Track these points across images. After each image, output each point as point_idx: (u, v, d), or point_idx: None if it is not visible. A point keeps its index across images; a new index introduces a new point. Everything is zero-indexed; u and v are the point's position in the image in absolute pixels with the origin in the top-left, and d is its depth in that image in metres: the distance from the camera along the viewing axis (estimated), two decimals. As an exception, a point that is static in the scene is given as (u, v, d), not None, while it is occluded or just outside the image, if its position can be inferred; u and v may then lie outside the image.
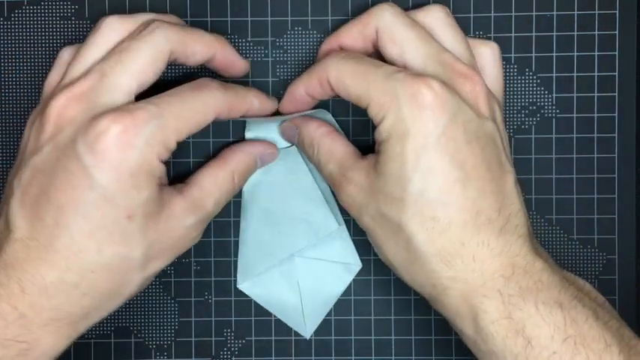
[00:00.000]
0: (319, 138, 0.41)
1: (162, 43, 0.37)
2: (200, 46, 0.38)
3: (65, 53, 0.39)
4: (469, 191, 0.35)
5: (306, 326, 0.44)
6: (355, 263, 0.44)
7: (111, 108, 0.35)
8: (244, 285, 0.44)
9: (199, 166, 0.40)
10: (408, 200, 0.36)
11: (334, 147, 0.40)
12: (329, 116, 0.42)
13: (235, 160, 0.41)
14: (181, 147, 0.44)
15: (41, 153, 0.35)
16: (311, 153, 0.41)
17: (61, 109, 0.35)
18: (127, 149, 0.34)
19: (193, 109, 0.37)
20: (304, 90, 0.39)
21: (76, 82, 0.36)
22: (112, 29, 0.38)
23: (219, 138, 0.44)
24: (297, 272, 0.44)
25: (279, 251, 0.43)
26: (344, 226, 0.44)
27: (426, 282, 0.37)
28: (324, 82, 0.38)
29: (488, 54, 0.40)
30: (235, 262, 0.44)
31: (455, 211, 0.35)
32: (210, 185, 0.39)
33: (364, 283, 0.45)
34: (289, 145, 0.43)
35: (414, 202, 0.36)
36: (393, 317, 0.44)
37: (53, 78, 0.39)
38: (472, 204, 0.35)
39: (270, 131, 0.43)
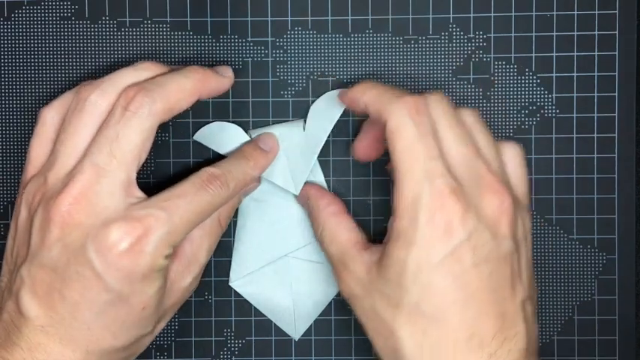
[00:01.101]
0: (325, 217, 0.40)
1: (150, 121, 0.37)
2: (185, 102, 0.38)
3: (47, 117, 0.39)
4: (467, 312, 0.35)
5: (296, 328, 0.44)
6: None
7: (118, 207, 0.36)
8: (236, 283, 0.44)
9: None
10: (403, 308, 0.35)
11: (339, 231, 0.39)
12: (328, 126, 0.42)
13: None
14: (182, 149, 0.44)
15: (50, 252, 0.35)
16: (315, 229, 0.41)
17: (67, 215, 0.35)
18: (138, 257, 0.35)
19: (200, 212, 0.37)
20: (365, 107, 0.38)
21: (72, 180, 0.36)
22: (96, 106, 0.37)
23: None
24: (290, 273, 0.44)
25: (274, 250, 0.43)
26: None
27: None
28: (379, 120, 0.37)
29: (513, 156, 0.38)
30: (235, 262, 0.44)
31: (448, 330, 0.35)
32: (200, 238, 0.40)
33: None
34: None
35: (408, 312, 0.35)
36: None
37: (38, 146, 0.38)
38: (468, 326, 0.35)
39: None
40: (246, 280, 0.44)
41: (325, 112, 0.43)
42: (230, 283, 0.44)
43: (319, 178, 0.44)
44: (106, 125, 0.37)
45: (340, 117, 0.42)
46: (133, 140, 0.36)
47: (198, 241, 0.40)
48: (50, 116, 0.39)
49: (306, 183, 0.42)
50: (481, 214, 0.35)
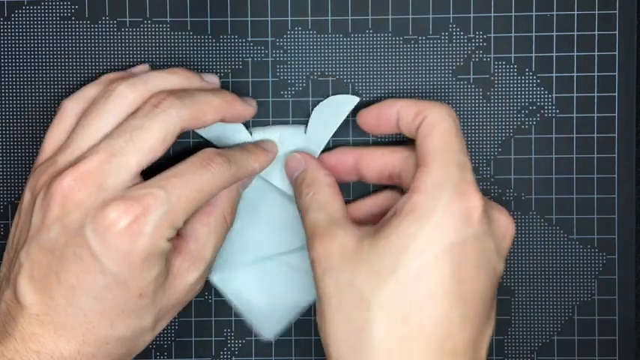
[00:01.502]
0: (322, 184, 0.40)
1: (175, 122, 0.37)
2: (210, 116, 0.38)
3: (69, 107, 0.39)
4: (453, 311, 0.34)
5: (270, 329, 0.44)
6: None
7: (118, 190, 0.35)
8: (216, 277, 0.43)
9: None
10: (390, 284, 0.34)
11: (332, 200, 0.39)
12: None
13: (222, 200, 0.40)
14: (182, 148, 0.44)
15: (49, 233, 0.35)
16: (305, 193, 0.40)
17: (68, 191, 0.35)
18: (137, 238, 0.35)
19: (200, 190, 0.37)
20: (395, 114, 0.39)
21: (82, 159, 0.36)
22: (123, 97, 0.37)
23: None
24: (271, 276, 0.43)
25: (260, 250, 0.43)
26: None
27: None
28: (414, 120, 0.38)
29: None
30: (235, 262, 0.44)
31: (428, 323, 0.34)
32: (206, 235, 0.39)
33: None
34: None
35: (393, 291, 0.34)
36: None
37: (55, 135, 0.39)
38: (448, 325, 0.34)
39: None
40: (226, 276, 0.43)
41: (328, 115, 0.43)
42: (209, 276, 0.43)
43: None
44: (133, 116, 0.37)
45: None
46: (155, 132, 0.36)
47: (204, 237, 0.39)
48: (71, 107, 0.39)
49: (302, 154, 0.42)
50: (491, 224, 0.36)
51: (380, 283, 0.34)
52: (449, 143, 0.36)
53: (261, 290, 0.44)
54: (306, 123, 0.43)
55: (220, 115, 0.39)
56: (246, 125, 0.43)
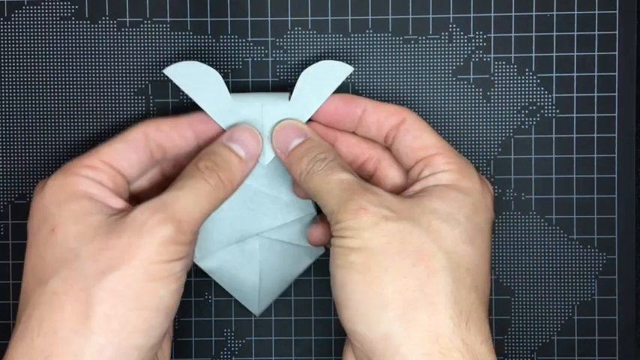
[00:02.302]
0: (334, 151, 0.38)
1: (134, 130, 0.38)
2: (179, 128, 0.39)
3: None
4: (489, 270, 0.37)
5: (259, 305, 0.43)
6: (318, 249, 0.43)
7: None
8: (201, 260, 0.42)
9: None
10: (448, 241, 0.35)
11: (349, 166, 0.38)
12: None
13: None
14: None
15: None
16: (322, 158, 0.37)
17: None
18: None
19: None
20: (362, 110, 0.39)
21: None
22: None
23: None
24: (258, 252, 0.42)
25: (246, 228, 0.42)
26: (315, 212, 0.43)
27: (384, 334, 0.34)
28: (390, 118, 0.39)
29: None
30: (235, 262, 0.44)
31: (482, 280, 0.35)
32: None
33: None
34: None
35: (455, 247, 0.35)
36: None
37: None
38: (487, 282, 0.36)
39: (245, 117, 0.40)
40: (211, 256, 0.42)
41: (317, 83, 0.40)
42: (194, 260, 0.42)
43: None
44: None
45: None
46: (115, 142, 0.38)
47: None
48: None
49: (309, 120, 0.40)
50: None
51: (441, 237, 0.35)
52: (441, 139, 0.39)
53: (250, 268, 0.43)
54: (290, 90, 0.41)
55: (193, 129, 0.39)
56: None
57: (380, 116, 0.39)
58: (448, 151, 0.38)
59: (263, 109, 0.39)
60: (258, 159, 0.39)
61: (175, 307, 0.35)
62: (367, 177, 0.41)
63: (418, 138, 0.38)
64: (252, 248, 0.42)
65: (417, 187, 0.37)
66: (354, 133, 0.40)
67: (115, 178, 0.37)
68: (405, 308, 0.33)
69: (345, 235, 0.35)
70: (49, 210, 0.35)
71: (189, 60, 0.43)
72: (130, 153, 0.37)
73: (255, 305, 0.43)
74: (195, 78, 0.39)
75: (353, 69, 0.40)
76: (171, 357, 0.44)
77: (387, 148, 0.40)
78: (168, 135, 0.38)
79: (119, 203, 0.36)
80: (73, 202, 0.35)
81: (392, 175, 0.40)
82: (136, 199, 0.39)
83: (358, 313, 0.34)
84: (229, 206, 0.41)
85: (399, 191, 0.38)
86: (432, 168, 0.37)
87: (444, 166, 0.37)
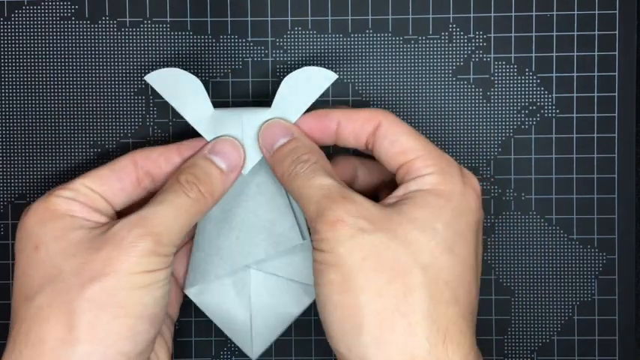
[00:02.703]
0: (320, 152, 0.38)
1: (124, 158, 0.38)
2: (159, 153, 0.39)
3: None
4: (475, 278, 0.36)
5: (253, 347, 0.41)
6: None
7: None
8: (192, 290, 0.41)
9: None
10: (426, 252, 0.34)
11: (332, 169, 0.38)
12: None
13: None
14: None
15: None
16: (305, 160, 0.37)
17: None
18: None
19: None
20: (336, 124, 0.38)
21: None
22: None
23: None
24: (250, 286, 0.40)
25: (234, 259, 0.39)
26: (309, 242, 0.40)
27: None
28: (366, 126, 0.38)
29: None
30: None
31: (462, 292, 0.35)
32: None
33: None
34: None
35: (433, 258, 0.34)
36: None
37: None
38: (474, 293, 0.36)
39: (232, 127, 0.39)
40: (201, 288, 0.41)
41: (299, 90, 0.39)
42: (184, 290, 0.41)
43: None
44: None
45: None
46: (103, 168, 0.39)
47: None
48: None
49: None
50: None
51: (418, 250, 0.34)
52: (420, 139, 0.37)
53: (241, 304, 0.41)
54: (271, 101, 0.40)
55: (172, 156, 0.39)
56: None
57: (355, 126, 0.38)
58: (427, 153, 0.37)
59: (243, 117, 0.39)
60: (240, 171, 0.39)
61: (161, 315, 0.36)
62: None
63: (396, 142, 0.37)
64: (243, 281, 0.41)
65: (400, 191, 0.37)
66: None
67: (97, 201, 0.37)
68: (381, 330, 0.33)
69: (322, 248, 0.35)
70: (33, 229, 0.36)
71: (191, 64, 0.43)
72: (114, 180, 0.38)
73: (249, 347, 0.41)
74: (176, 85, 0.39)
75: (337, 76, 0.39)
76: (172, 357, 0.44)
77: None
78: (155, 162, 0.38)
79: (101, 218, 0.37)
80: (55, 220, 0.36)
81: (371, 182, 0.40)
82: (120, 212, 0.39)
83: (338, 333, 0.34)
84: (217, 233, 0.40)
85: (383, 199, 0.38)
86: (413, 173, 0.36)
87: (423, 170, 0.36)
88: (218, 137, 0.39)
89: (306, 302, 0.41)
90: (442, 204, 0.35)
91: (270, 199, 0.40)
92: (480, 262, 0.37)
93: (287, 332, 0.44)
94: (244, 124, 0.39)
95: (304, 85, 0.39)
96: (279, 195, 0.40)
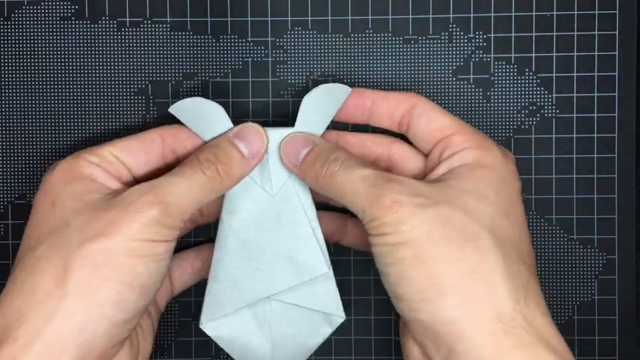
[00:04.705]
0: (343, 149, 0.39)
1: (153, 131, 0.39)
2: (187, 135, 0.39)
3: None
4: (527, 238, 0.37)
5: None
6: (338, 314, 0.39)
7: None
8: (209, 325, 0.39)
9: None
10: (487, 216, 0.35)
11: (365, 159, 0.39)
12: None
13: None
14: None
15: None
16: (334, 159, 0.37)
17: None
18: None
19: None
20: (371, 102, 0.39)
21: None
22: None
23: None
24: (271, 317, 0.40)
25: (254, 290, 0.39)
26: (332, 272, 0.39)
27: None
28: (401, 105, 0.39)
29: None
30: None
31: (524, 250, 0.36)
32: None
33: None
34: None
35: (495, 222, 0.35)
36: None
37: None
38: (529, 247, 0.37)
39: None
40: (219, 322, 0.40)
41: (321, 106, 0.39)
42: (200, 326, 0.40)
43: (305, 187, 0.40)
44: None
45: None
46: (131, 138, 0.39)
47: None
48: None
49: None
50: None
51: (479, 217, 0.35)
52: (455, 117, 0.39)
53: (262, 336, 0.40)
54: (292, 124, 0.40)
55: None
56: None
57: (390, 105, 0.39)
58: (465, 129, 0.38)
59: (268, 136, 0.39)
60: (261, 158, 0.39)
61: (154, 289, 0.36)
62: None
63: (433, 120, 0.38)
64: (263, 313, 0.40)
65: (441, 169, 0.37)
66: (354, 131, 0.41)
67: (120, 170, 0.38)
68: (464, 293, 0.34)
69: (384, 232, 0.35)
70: (54, 187, 0.37)
71: (191, 64, 0.43)
72: (141, 152, 0.39)
73: None
74: (199, 113, 0.39)
75: (351, 89, 0.40)
76: (172, 357, 0.44)
77: (396, 139, 0.40)
78: (183, 142, 0.39)
79: (121, 186, 0.38)
80: (76, 182, 0.37)
81: (408, 167, 0.40)
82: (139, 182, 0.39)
83: (419, 305, 0.34)
84: (236, 264, 0.39)
85: (420, 178, 0.38)
86: (452, 148, 0.38)
87: (463, 144, 0.37)
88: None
89: (327, 332, 0.40)
90: (488, 174, 0.36)
91: (292, 228, 0.39)
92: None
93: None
94: (269, 144, 0.39)
95: (323, 100, 0.39)
96: (302, 224, 0.39)
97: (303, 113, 0.39)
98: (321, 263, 0.39)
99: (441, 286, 0.34)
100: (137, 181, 0.39)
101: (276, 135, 0.39)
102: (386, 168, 0.40)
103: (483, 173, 0.36)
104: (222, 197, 0.39)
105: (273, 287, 0.39)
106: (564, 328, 0.44)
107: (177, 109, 0.39)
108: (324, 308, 0.39)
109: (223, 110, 0.39)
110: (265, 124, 0.43)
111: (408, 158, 0.40)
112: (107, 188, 0.37)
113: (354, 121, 0.40)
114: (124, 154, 0.38)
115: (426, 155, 0.39)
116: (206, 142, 0.39)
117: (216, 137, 0.39)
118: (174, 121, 0.39)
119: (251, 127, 0.39)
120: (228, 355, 0.45)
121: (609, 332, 0.44)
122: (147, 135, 0.39)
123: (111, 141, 0.39)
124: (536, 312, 0.34)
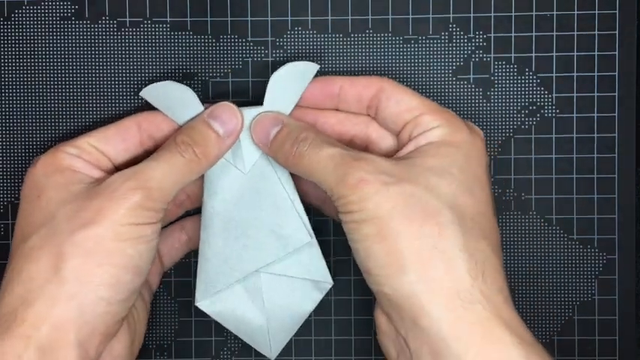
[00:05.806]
0: (313, 128, 0.40)
1: (128, 119, 0.40)
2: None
3: None
4: (492, 213, 0.38)
5: (271, 347, 0.41)
6: (326, 280, 0.41)
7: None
8: (203, 302, 0.41)
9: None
10: (449, 194, 0.36)
11: (334, 138, 0.39)
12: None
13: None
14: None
15: None
16: (303, 138, 0.38)
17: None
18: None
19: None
20: (338, 88, 0.40)
21: None
22: None
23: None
24: (262, 289, 0.41)
25: (243, 266, 0.40)
26: (315, 240, 0.41)
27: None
28: (368, 89, 0.39)
29: None
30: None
31: (486, 227, 0.37)
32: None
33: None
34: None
35: (457, 199, 0.36)
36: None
37: None
38: (493, 223, 0.37)
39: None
40: (214, 299, 0.41)
41: (288, 85, 0.40)
42: (196, 303, 0.41)
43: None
44: None
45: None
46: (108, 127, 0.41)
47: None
48: None
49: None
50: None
51: (442, 193, 0.36)
52: (423, 97, 0.39)
53: (255, 308, 0.41)
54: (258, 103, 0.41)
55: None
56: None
57: (358, 89, 0.40)
58: (433, 109, 0.38)
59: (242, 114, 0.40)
60: (237, 137, 0.39)
61: (146, 268, 0.38)
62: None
63: (401, 102, 0.39)
64: (255, 286, 0.41)
65: (409, 147, 0.38)
66: (335, 110, 0.41)
67: (100, 159, 0.39)
68: (424, 268, 0.35)
69: (351, 209, 0.36)
70: (38, 180, 0.38)
71: (191, 64, 0.43)
72: (118, 140, 0.40)
73: (267, 348, 0.41)
74: (170, 97, 0.40)
75: (319, 66, 0.40)
76: (171, 357, 0.45)
77: (372, 119, 0.41)
78: (159, 126, 0.40)
79: (102, 175, 0.39)
80: (58, 173, 0.38)
81: (384, 145, 0.41)
82: (120, 168, 0.40)
83: (383, 278, 0.35)
84: (223, 243, 0.40)
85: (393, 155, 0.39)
86: (421, 127, 0.38)
87: (431, 124, 0.38)
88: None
89: (318, 297, 0.42)
90: (453, 152, 0.37)
91: (273, 202, 0.40)
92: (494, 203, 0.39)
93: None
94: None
95: (291, 79, 0.40)
96: (282, 197, 0.40)
97: (271, 91, 0.40)
98: (303, 233, 0.40)
99: (402, 261, 0.35)
100: (118, 168, 0.40)
101: (247, 114, 0.40)
102: (363, 147, 0.41)
103: (448, 150, 0.37)
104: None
105: (261, 261, 0.40)
106: (564, 328, 0.44)
107: (148, 93, 0.40)
108: (311, 275, 0.41)
109: (193, 93, 0.40)
110: (265, 124, 0.43)
111: (384, 137, 0.41)
112: (89, 177, 0.38)
113: (323, 108, 0.41)
114: (102, 144, 0.39)
115: (397, 135, 0.40)
116: (180, 125, 0.40)
117: (189, 120, 0.40)
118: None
119: (225, 106, 0.40)
120: (228, 355, 0.45)
121: (609, 332, 0.44)
122: (123, 123, 0.40)
123: (89, 132, 0.40)
124: (494, 288, 0.35)
